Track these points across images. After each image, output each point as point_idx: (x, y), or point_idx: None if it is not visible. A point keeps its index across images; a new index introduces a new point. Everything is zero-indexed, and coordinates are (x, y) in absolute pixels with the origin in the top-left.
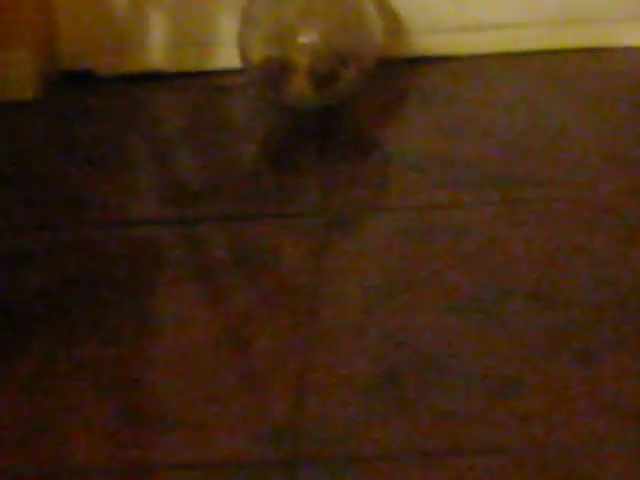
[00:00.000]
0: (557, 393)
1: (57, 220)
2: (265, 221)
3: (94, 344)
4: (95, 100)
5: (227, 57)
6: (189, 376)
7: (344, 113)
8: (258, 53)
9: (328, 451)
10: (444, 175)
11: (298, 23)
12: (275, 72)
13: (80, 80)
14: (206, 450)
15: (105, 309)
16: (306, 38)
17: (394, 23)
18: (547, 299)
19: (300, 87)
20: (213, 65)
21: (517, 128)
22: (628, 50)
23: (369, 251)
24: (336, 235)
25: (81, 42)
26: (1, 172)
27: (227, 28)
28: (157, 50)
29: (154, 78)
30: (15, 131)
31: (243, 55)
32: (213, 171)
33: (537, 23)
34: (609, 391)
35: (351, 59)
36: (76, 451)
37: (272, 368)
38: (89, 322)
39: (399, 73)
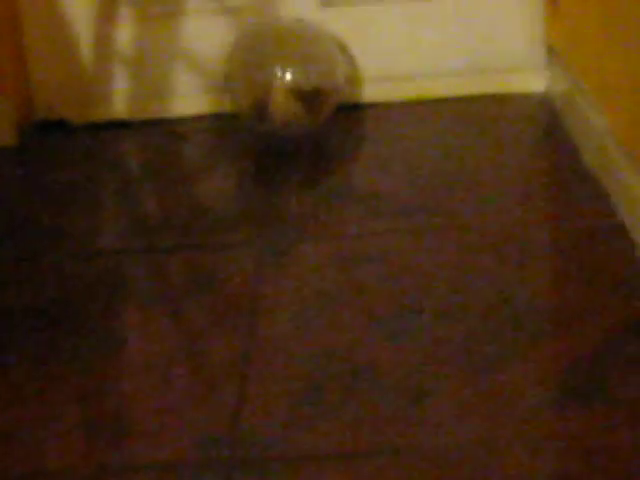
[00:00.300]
0: (461, 399)
1: (35, 252)
2: (215, 250)
3: (66, 360)
4: (68, 146)
5: (182, 106)
6: (146, 388)
7: (293, 154)
8: (245, 96)
9: (262, 453)
10: (368, 207)
11: (275, 64)
12: (261, 108)
13: (54, 128)
14: (157, 453)
15: (77, 329)
16: (282, 76)
17: None
18: (453, 316)
19: (283, 115)
20: (171, 114)
21: (433, 165)
22: (527, 96)
23: (302, 275)
24: (274, 261)
25: (54, 94)
26: None
27: (182, 80)
28: (121, 101)
29: (120, 126)
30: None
31: (232, 99)
32: (171, 206)
33: (450, 73)
34: (506, 396)
35: (322, 91)
36: (48, 455)
37: (216, 380)
38: (62, 341)
39: (337, 117)
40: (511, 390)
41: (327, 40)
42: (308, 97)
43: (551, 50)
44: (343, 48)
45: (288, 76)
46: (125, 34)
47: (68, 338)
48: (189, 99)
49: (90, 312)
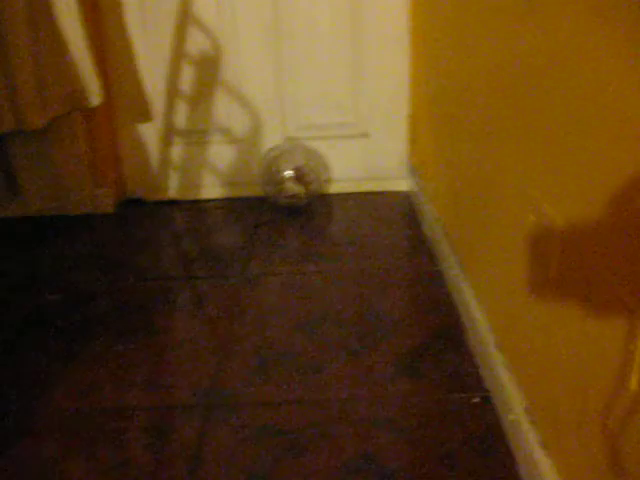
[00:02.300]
0: (343, 371)
1: (117, 276)
2: (221, 277)
3: (132, 338)
4: (142, 213)
5: (207, 193)
6: (177, 353)
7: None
8: (270, 184)
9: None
10: (305, 255)
11: (286, 168)
12: (279, 192)
13: (135, 203)
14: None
15: (139, 321)
16: (290, 172)
17: None
18: (341, 322)
19: (292, 192)
20: (200, 197)
21: (346, 230)
22: (397, 193)
23: (267, 295)
24: (249, 285)
25: (136, 184)
26: (91, 250)
27: (207, 179)
28: (173, 189)
29: (172, 203)
30: (101, 227)
31: (263, 187)
32: (200, 250)
33: (355, 178)
34: (368, 370)
35: (314, 181)
36: (125, 396)
37: (223, 339)
38: (130, 327)
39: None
40: (371, 366)
41: (314, 153)
42: (305, 185)
43: (411, 167)
44: (323, 160)
45: (291, 173)
46: (176, 152)
47: (134, 326)
48: (211, 189)
49: (147, 312)
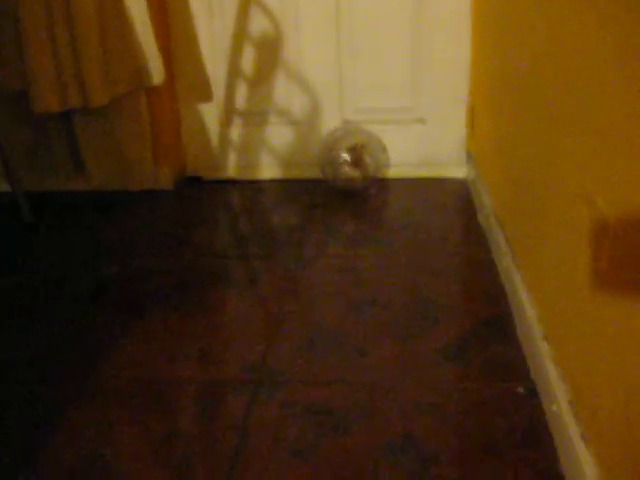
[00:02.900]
0: (389, 356)
1: (173, 253)
2: (272, 258)
3: (185, 312)
4: (201, 191)
5: (264, 173)
6: (227, 324)
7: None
8: (327, 167)
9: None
10: (358, 239)
11: (344, 151)
12: (336, 175)
13: (195, 181)
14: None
15: (192, 297)
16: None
17: None
18: (391, 306)
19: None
20: (257, 177)
21: (399, 216)
22: (453, 180)
23: (318, 277)
24: (299, 268)
25: (196, 163)
26: (150, 226)
27: (265, 159)
28: (232, 168)
29: (230, 182)
30: (161, 204)
31: (321, 169)
32: (256, 228)
33: (410, 164)
34: (416, 355)
35: (371, 165)
36: (176, 369)
37: (269, 304)
38: (185, 301)
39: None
40: (418, 351)
41: (374, 137)
42: (361, 168)
43: (469, 154)
44: (383, 144)
45: (348, 156)
46: (236, 133)
47: (189, 301)
48: (268, 169)
49: (202, 288)
